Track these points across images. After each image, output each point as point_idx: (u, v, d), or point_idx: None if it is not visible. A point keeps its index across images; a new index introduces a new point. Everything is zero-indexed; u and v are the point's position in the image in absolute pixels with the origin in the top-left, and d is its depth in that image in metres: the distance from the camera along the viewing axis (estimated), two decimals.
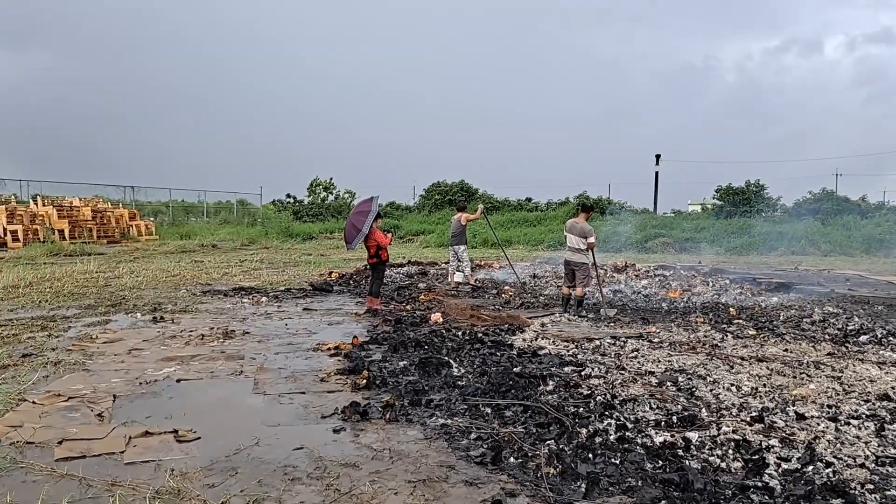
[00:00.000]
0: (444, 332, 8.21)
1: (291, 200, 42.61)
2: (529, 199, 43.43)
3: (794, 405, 5.30)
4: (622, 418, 4.81)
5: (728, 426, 4.67)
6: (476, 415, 4.96)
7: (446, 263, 18.19)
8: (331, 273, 15.90)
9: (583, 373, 6.29)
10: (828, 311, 10.16)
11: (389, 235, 10.67)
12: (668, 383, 5.97)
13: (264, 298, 11.69)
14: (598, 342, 7.85)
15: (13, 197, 30.06)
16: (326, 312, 10.38)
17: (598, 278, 10.70)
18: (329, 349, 7.52)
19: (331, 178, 41.75)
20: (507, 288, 12.99)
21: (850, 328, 8.70)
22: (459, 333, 8.21)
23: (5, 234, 25.41)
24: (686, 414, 4.92)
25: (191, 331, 8.62)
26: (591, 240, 9.80)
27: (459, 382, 5.83)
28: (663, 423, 4.74)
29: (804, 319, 9.49)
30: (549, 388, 5.69)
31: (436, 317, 9.08)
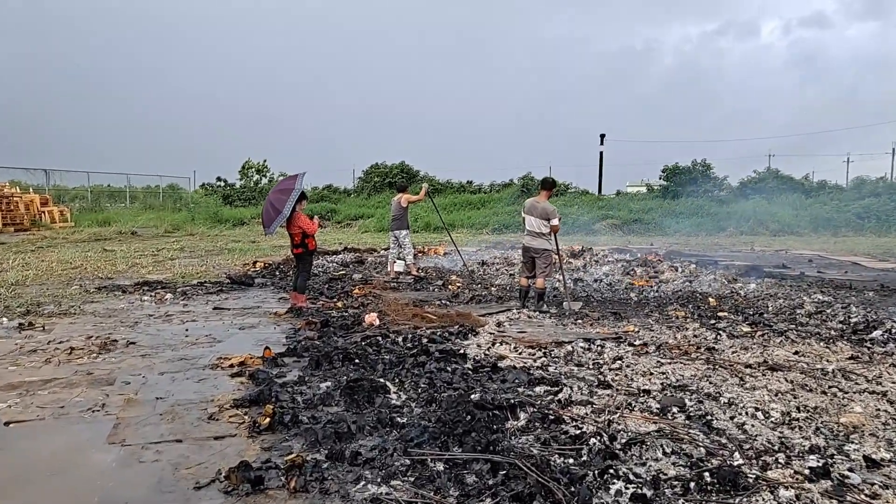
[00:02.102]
0: (380, 338, 6.64)
1: (222, 184, 39.97)
2: (471, 182, 41.97)
3: (849, 440, 3.96)
4: (632, 477, 3.35)
5: (785, 486, 3.26)
6: (423, 477, 3.42)
7: (386, 250, 16.58)
8: (255, 263, 14.08)
9: (560, 396, 4.82)
10: (818, 299, 9.01)
11: (316, 220, 8.99)
12: (674, 408, 4.56)
13: (169, 295, 9.86)
14: (569, 347, 6.42)
15: None
16: (241, 312, 8.66)
17: (562, 267, 9.30)
18: (232, 365, 5.85)
19: (264, 161, 39.25)
20: (454, 278, 11.48)
21: (853, 321, 7.52)
22: (400, 340, 6.65)
23: None
24: (718, 465, 3.49)
25: (61, 341, 6.81)
26: (555, 222, 8.35)
27: (399, 418, 4.28)
28: (692, 484, 3.30)
29: (797, 311, 8.29)
30: (521, 423, 4.20)
31: (371, 318, 7.48)
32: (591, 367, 5.78)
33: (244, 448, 3.94)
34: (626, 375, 5.42)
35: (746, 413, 4.50)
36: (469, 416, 4.13)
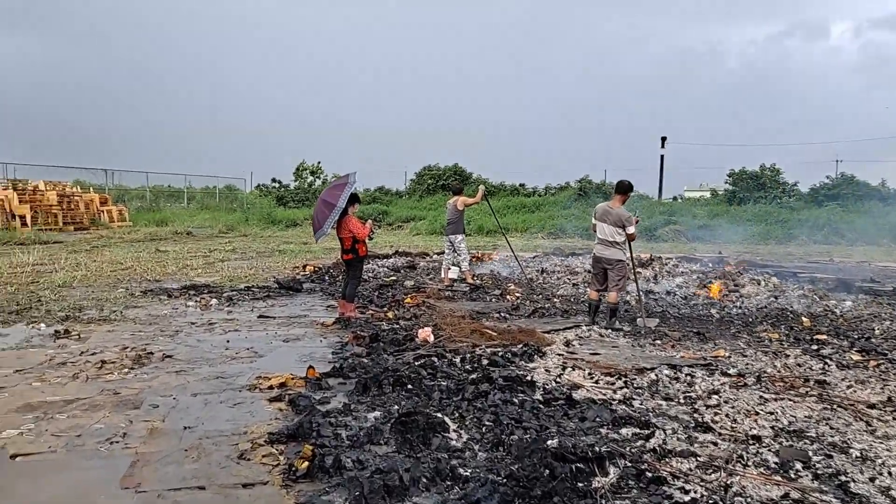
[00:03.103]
0: (435, 358, 5.93)
1: (276, 185, 40.09)
2: (524, 185, 41.02)
3: None
4: None
5: None
6: None
7: (438, 254, 15.91)
8: (305, 266, 13.59)
9: (654, 442, 4.02)
10: None
11: (368, 224, 8.35)
12: (797, 463, 3.71)
13: (214, 301, 9.38)
14: (653, 375, 5.58)
15: None
16: (286, 321, 8.08)
17: (637, 279, 8.43)
18: (271, 387, 5.23)
19: (318, 163, 39.19)
20: (512, 287, 10.70)
21: None
22: (458, 361, 5.93)
23: None
24: None
25: (94, 353, 6.33)
26: (632, 230, 7.51)
27: (461, 468, 3.55)
28: None
29: None
30: (611, 479, 3.43)
31: (425, 333, 6.78)
32: (682, 401, 4.95)
33: (276, 502, 3.28)
34: (726, 415, 4.57)
35: (890, 473, 3.62)
36: (547, 471, 3.37)
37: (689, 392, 5.15)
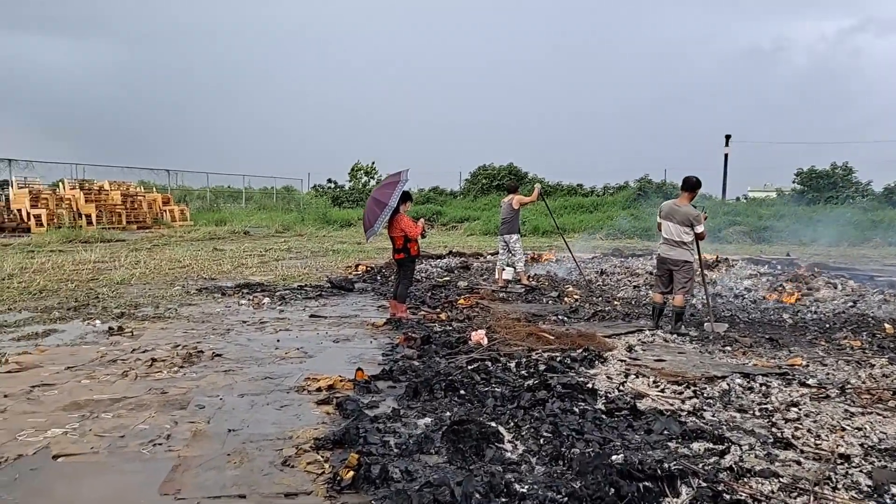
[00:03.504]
0: (489, 363, 5.66)
1: (332, 186, 40.44)
2: (581, 185, 40.23)
3: None
4: None
5: None
6: None
7: (493, 255, 15.62)
8: (357, 266, 13.50)
9: (728, 458, 3.66)
10: None
11: (421, 223, 8.14)
12: (893, 487, 3.30)
13: (267, 300, 9.32)
14: (724, 384, 5.18)
15: (38, 180, 28.55)
16: (337, 321, 7.94)
17: (704, 281, 7.97)
18: (319, 389, 5.05)
19: (372, 163, 39.33)
20: (570, 289, 10.33)
21: None
22: (512, 365, 5.64)
23: (29, 219, 23.91)
24: None
25: (145, 350, 6.29)
26: (700, 229, 7.08)
27: (517, 484, 3.27)
28: None
29: None
30: (684, 501, 3.09)
31: (478, 336, 6.52)
32: (757, 414, 4.55)
33: None
34: (808, 430, 4.16)
35: None
36: (612, 490, 3.06)
37: (764, 404, 4.74)
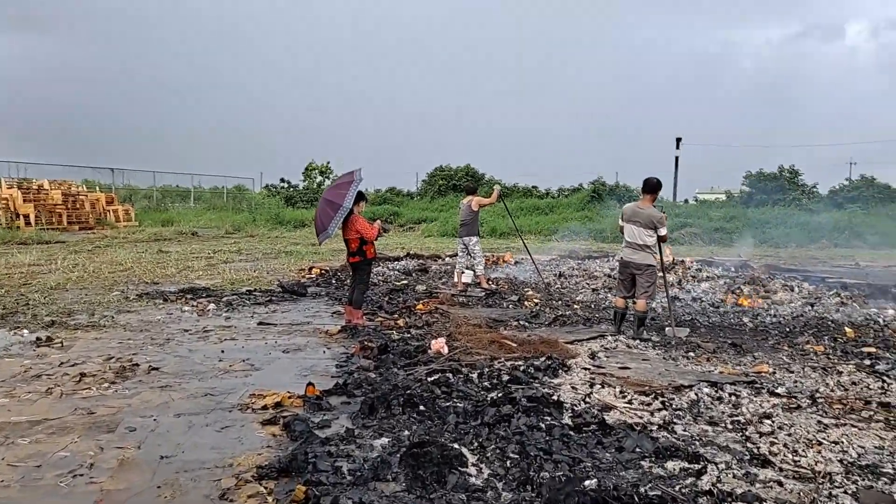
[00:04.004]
0: (450, 374, 5.35)
1: (285, 185, 39.63)
2: (536, 187, 40.36)
3: None
4: None
5: None
6: None
7: (451, 257, 15.33)
8: (311, 269, 13.04)
9: (706, 479, 3.42)
10: None
11: (378, 225, 7.78)
12: None
13: (212, 306, 8.83)
14: (692, 394, 4.98)
15: None
16: (288, 329, 7.53)
17: (667, 285, 7.81)
18: (265, 407, 4.66)
19: (327, 162, 38.67)
20: (530, 293, 10.10)
21: None
22: (475, 376, 5.35)
23: None
24: None
25: (74, 363, 5.79)
26: (664, 231, 6.91)
27: None
28: None
29: None
30: None
31: (438, 345, 6.19)
32: (729, 427, 4.34)
33: None
34: (784, 445, 3.96)
35: None
36: None
37: (736, 415, 4.54)
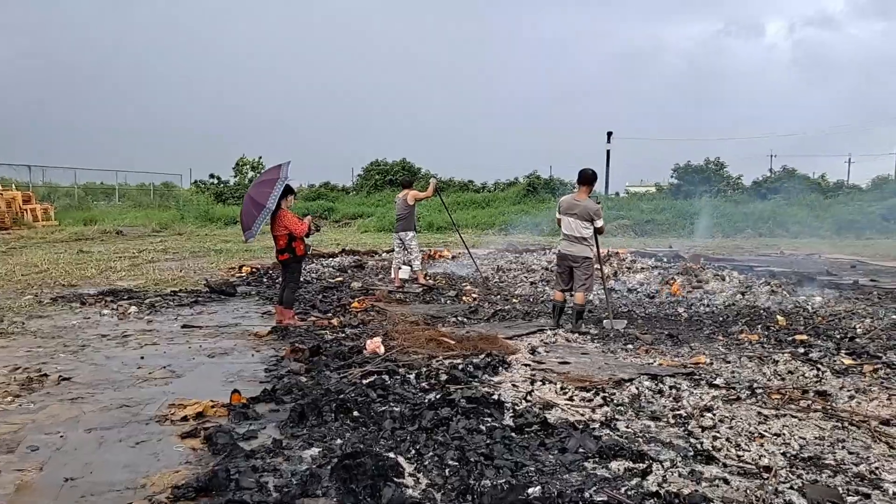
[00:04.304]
0: (386, 376, 5.11)
1: (215, 181, 38.40)
2: (472, 181, 40.40)
3: None
4: None
5: None
6: None
7: (388, 252, 15.07)
8: (241, 267, 12.55)
9: (651, 480, 3.31)
10: None
11: (308, 220, 7.46)
12: None
13: (133, 309, 8.33)
14: (633, 388, 4.90)
15: None
16: (214, 332, 7.13)
17: (604, 277, 7.77)
18: (186, 418, 4.33)
19: (259, 157, 37.65)
20: (468, 288, 9.95)
21: None
22: (412, 377, 5.13)
23: None
24: None
25: None
26: (600, 223, 6.85)
27: None
28: None
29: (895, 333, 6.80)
30: None
31: (374, 345, 5.94)
32: (671, 421, 4.27)
33: None
34: (727, 439, 3.90)
35: None
36: None
37: (677, 409, 4.48)
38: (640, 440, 3.91)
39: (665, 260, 13.49)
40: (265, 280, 11.18)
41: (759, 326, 7.27)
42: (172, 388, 5.06)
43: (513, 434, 3.89)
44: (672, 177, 35.88)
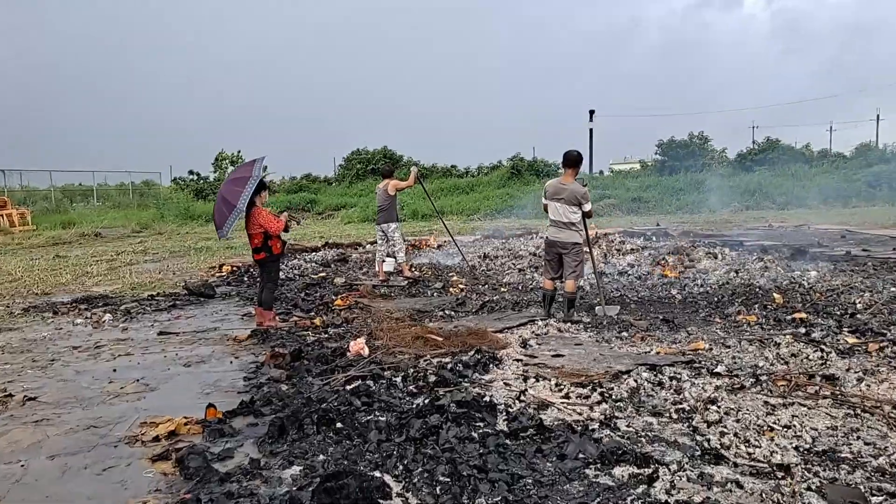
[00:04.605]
0: (371, 381, 4.84)
1: (195, 178, 37.73)
2: (455, 166, 40.05)
3: None
4: None
5: None
6: None
7: (372, 243, 14.75)
8: (222, 266, 12.19)
9: (658, 486, 3.07)
10: None
11: (284, 217, 7.13)
12: None
13: (108, 316, 7.99)
14: (631, 381, 4.66)
15: None
16: (191, 338, 6.83)
17: (594, 262, 7.53)
18: (157, 438, 4.04)
19: (238, 151, 37.01)
20: (455, 278, 9.68)
21: None
22: (399, 380, 4.86)
23: None
24: None
25: None
26: (588, 207, 6.59)
27: None
28: None
29: None
30: None
31: (358, 346, 5.66)
32: (674, 416, 4.03)
33: None
34: (735, 434, 3.67)
35: None
36: None
37: (679, 402, 4.24)
38: (643, 440, 3.67)
39: (654, 239, 13.30)
40: (246, 279, 10.85)
41: (757, 306, 7.05)
42: (145, 404, 4.76)
43: (507, 441, 3.64)
44: (656, 153, 35.67)
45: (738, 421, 3.86)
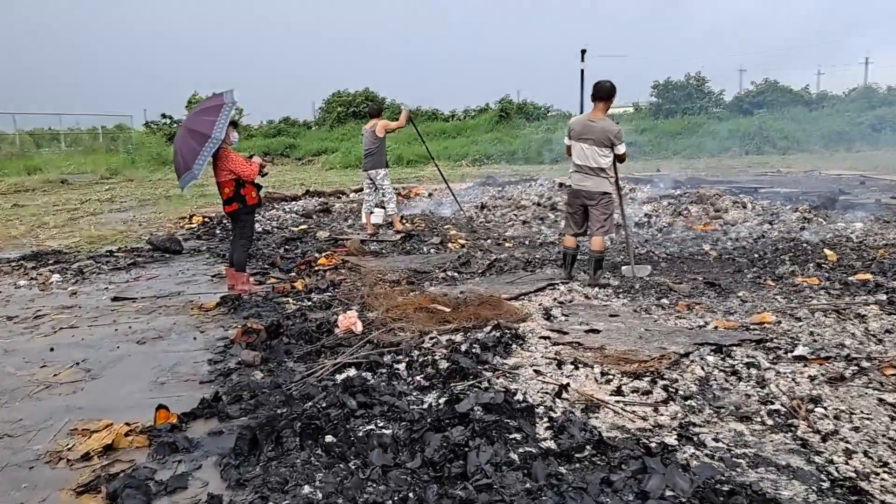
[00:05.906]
0: (368, 372, 3.83)
1: (167, 121, 35.87)
2: (438, 109, 38.37)
3: None
4: None
5: None
6: None
7: (357, 192, 13.62)
8: (192, 217, 11.05)
9: None
10: None
11: (257, 161, 6.01)
12: None
13: (57, 277, 6.91)
14: (697, 368, 3.69)
15: None
16: (150, 305, 5.78)
17: (625, 216, 6.51)
18: (89, 453, 3.03)
19: (213, 93, 35.10)
20: (453, 232, 8.63)
21: None
22: (402, 368, 3.86)
23: None
24: None
25: None
26: (622, 149, 5.52)
27: None
28: None
29: None
30: None
31: (348, 321, 4.62)
32: (768, 422, 3.08)
33: None
34: (865, 453, 2.73)
35: None
36: None
37: (769, 400, 3.29)
38: (744, 462, 2.72)
39: (661, 185, 12.32)
40: (218, 231, 9.74)
41: (810, 265, 6.10)
42: (81, 399, 3.75)
43: (560, 467, 2.67)
44: (651, 95, 34.31)
45: (857, 430, 2.92)
